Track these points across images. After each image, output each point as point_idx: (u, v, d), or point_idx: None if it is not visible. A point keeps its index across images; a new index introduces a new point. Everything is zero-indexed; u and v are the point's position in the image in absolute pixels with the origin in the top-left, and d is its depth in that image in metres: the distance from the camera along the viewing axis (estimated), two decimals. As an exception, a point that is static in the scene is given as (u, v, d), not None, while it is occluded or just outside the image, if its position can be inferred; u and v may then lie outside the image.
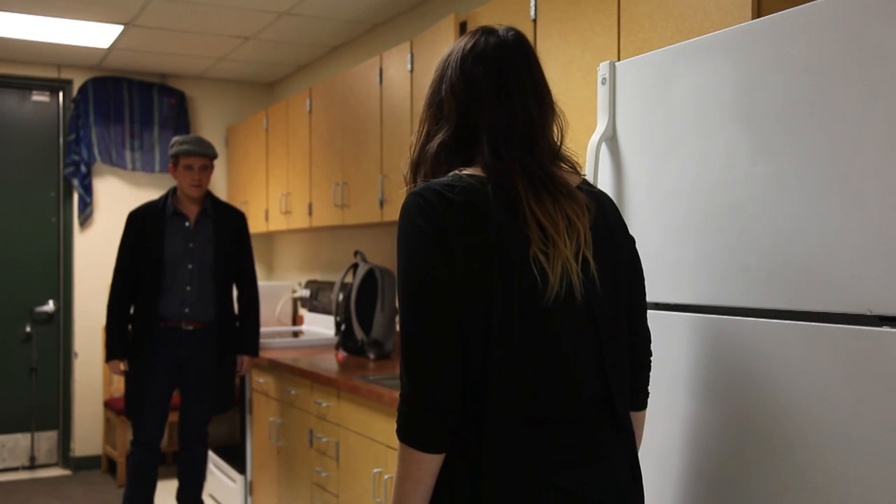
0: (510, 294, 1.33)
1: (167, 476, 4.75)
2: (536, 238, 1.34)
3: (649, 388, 1.62)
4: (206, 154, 3.90)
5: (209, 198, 4.00)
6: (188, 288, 3.88)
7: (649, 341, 1.59)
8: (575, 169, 1.49)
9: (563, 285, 1.34)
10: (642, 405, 1.59)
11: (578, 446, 1.37)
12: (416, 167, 1.49)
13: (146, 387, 3.84)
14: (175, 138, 3.97)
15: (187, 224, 3.92)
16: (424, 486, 1.34)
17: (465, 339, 1.33)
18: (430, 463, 1.33)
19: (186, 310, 3.87)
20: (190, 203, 3.93)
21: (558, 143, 1.48)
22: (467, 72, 1.44)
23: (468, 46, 1.46)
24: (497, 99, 1.42)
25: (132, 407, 3.90)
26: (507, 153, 1.39)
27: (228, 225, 4.01)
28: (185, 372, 3.92)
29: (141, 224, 3.90)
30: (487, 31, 1.47)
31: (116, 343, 3.87)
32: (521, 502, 1.32)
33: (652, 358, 1.60)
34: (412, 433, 1.33)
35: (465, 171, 1.40)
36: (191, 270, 3.89)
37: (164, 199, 3.98)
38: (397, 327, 2.28)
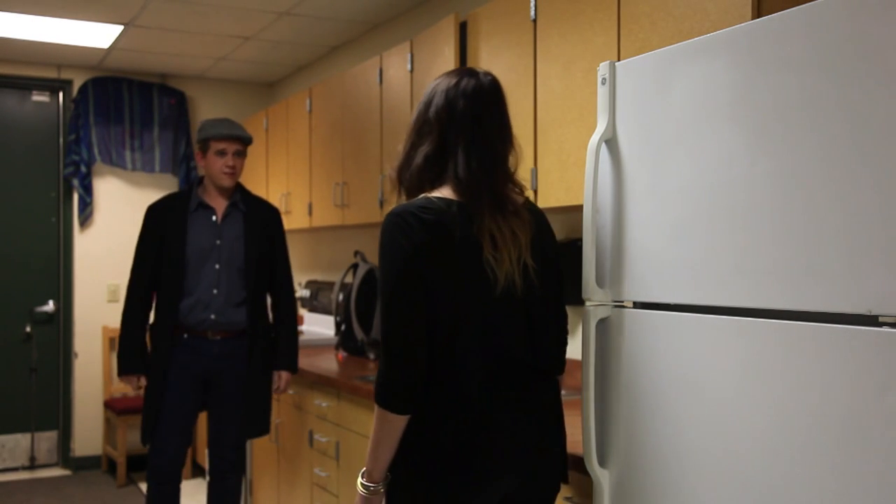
0: (468, 287, 1.73)
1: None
2: (488, 246, 1.72)
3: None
4: (242, 138, 3.40)
5: (240, 189, 3.49)
6: (214, 291, 3.35)
7: (566, 323, 1.98)
8: (522, 191, 1.87)
9: (507, 282, 1.74)
10: (561, 371, 1.96)
11: (510, 391, 1.77)
12: (401, 170, 1.84)
13: (165, 406, 3.30)
14: (203, 121, 3.47)
15: (214, 218, 3.40)
16: (393, 439, 1.75)
17: (430, 328, 1.70)
18: (399, 422, 1.73)
19: (213, 316, 3.34)
20: (218, 195, 3.42)
21: (513, 169, 1.84)
22: (451, 101, 1.78)
23: (453, 82, 1.80)
24: (471, 128, 1.77)
25: (149, 430, 3.32)
26: (476, 171, 1.75)
27: (261, 220, 3.49)
28: (212, 389, 3.39)
29: (161, 219, 3.38)
30: (469, 73, 1.82)
31: (132, 354, 3.36)
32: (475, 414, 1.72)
33: (567, 335, 2.01)
34: (387, 400, 1.72)
35: (433, 195, 1.75)
36: (217, 271, 3.36)
37: (187, 190, 3.49)
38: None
